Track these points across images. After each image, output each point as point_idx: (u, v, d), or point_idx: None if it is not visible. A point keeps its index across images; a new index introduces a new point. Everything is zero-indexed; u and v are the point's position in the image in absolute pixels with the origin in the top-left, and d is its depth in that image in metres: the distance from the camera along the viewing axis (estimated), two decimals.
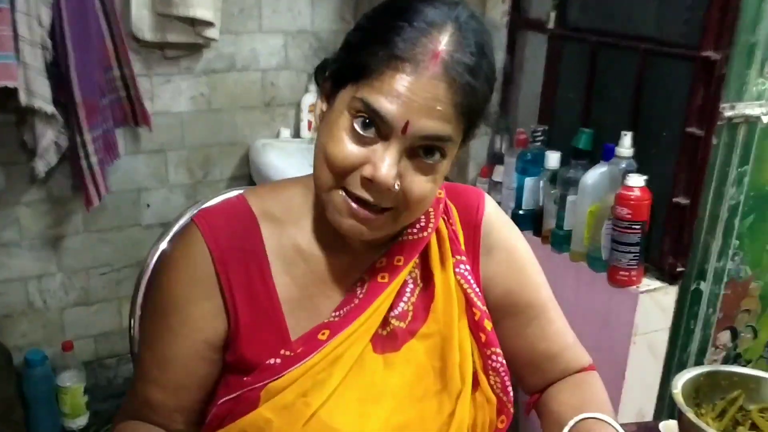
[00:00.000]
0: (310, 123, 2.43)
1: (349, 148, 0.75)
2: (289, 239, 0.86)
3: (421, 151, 0.76)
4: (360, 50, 0.76)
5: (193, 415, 0.87)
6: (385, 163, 0.74)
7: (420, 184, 0.77)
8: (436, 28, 0.73)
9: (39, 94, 1.83)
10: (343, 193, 0.77)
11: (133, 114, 2.14)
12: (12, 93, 1.80)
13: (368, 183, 0.75)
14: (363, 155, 0.75)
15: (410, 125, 0.73)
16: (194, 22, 2.13)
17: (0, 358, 2.05)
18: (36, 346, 2.22)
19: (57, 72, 1.91)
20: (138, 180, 2.31)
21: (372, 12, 0.80)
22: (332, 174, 0.77)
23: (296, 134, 2.47)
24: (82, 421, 2.21)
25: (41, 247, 2.21)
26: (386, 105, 0.73)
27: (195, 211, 1.04)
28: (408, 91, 0.72)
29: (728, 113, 1.49)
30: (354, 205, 0.77)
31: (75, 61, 1.89)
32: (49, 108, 1.85)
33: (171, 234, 1.10)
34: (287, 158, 2.24)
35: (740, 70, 1.48)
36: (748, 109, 1.51)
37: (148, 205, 2.35)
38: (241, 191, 0.93)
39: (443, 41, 0.73)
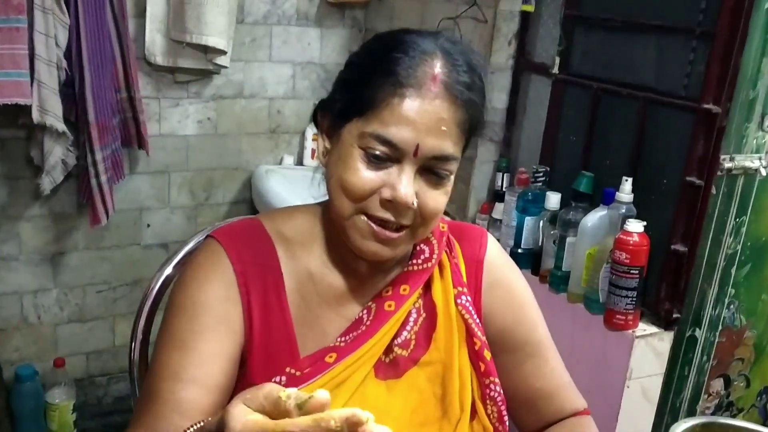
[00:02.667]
0: (313, 151, 2.46)
1: (365, 175, 0.80)
2: (300, 261, 0.89)
3: (431, 172, 0.82)
4: (362, 86, 0.81)
5: None
6: (403, 183, 0.79)
7: (434, 199, 0.82)
8: (429, 56, 0.80)
9: (51, 112, 1.86)
10: (365, 218, 0.82)
11: (138, 136, 2.16)
12: (21, 109, 1.83)
13: (388, 204, 0.80)
14: (379, 179, 0.80)
15: (420, 148, 0.79)
16: (206, 49, 2.16)
17: None
18: (28, 362, 2.21)
19: (70, 91, 1.93)
20: (140, 200, 2.32)
21: (363, 50, 0.87)
22: (351, 201, 0.81)
23: (299, 162, 2.50)
24: None
25: (39, 262, 2.22)
26: (397, 133, 0.78)
27: (201, 238, 1.05)
28: (416, 115, 0.78)
29: (728, 164, 1.52)
30: (376, 227, 0.81)
31: (91, 81, 1.92)
32: (60, 126, 1.87)
33: (176, 260, 1.08)
34: (289, 185, 2.26)
35: (740, 123, 1.52)
36: (747, 161, 1.54)
37: (149, 225, 2.36)
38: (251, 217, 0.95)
39: (438, 65, 0.80)
